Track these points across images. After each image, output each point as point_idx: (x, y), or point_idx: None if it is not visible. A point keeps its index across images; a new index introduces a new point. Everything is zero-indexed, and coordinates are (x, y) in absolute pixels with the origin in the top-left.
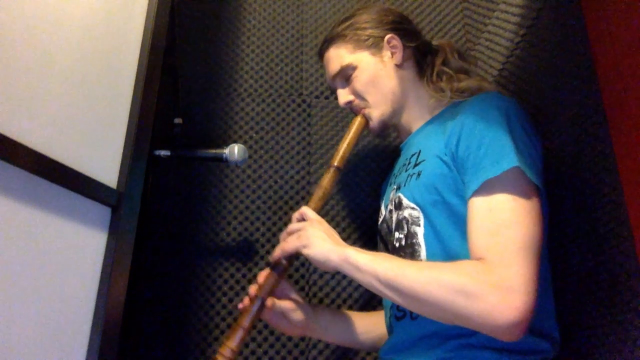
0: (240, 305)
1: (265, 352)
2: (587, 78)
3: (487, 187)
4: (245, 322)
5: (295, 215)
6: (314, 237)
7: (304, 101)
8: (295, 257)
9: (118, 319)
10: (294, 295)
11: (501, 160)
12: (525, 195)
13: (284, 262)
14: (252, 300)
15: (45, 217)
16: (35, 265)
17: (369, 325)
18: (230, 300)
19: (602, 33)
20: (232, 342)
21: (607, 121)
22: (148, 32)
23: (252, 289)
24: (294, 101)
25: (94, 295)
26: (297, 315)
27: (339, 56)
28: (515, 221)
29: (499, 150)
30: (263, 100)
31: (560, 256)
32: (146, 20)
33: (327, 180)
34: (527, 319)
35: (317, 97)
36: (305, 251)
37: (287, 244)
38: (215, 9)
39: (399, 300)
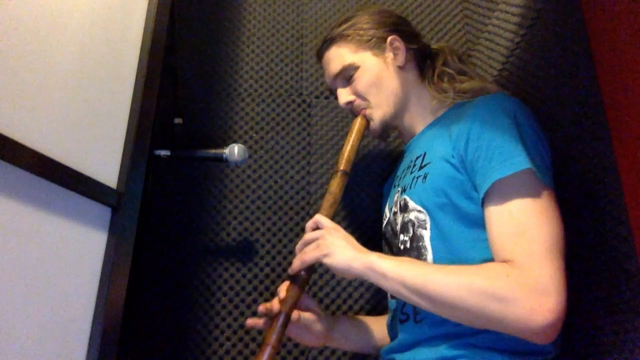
0: (248, 322)
1: None
2: (587, 78)
3: (501, 189)
4: (272, 339)
5: (309, 224)
6: (335, 245)
7: (304, 101)
8: (314, 267)
9: (118, 319)
10: (314, 307)
11: (511, 160)
12: (541, 195)
13: (303, 273)
14: (276, 315)
15: (45, 217)
16: (35, 265)
17: (385, 331)
18: (230, 300)
19: (602, 33)
20: None
21: (607, 121)
22: (148, 32)
23: (275, 304)
24: (294, 101)
25: (94, 295)
26: (318, 326)
27: (340, 56)
28: (537, 222)
29: (509, 151)
30: (263, 100)
31: None
32: (146, 20)
33: (335, 185)
34: (562, 319)
35: (317, 97)
36: (326, 260)
37: (306, 255)
38: (215, 9)
39: (427, 306)
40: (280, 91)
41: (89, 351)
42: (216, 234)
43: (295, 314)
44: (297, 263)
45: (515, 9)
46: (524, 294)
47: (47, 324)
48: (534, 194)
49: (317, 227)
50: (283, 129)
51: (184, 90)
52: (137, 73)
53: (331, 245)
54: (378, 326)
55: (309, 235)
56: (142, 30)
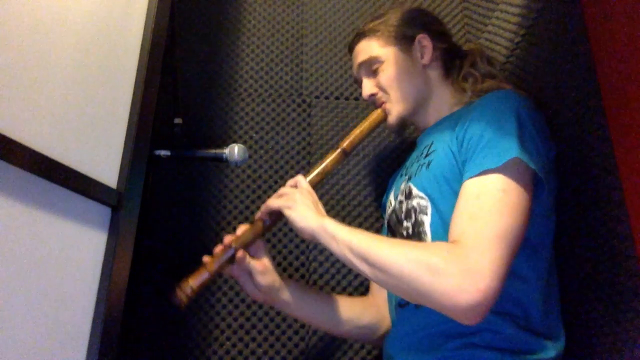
0: (214, 252)
1: (265, 352)
2: (587, 78)
3: (484, 175)
4: (212, 266)
5: (290, 182)
6: (300, 202)
7: (304, 101)
8: (278, 219)
9: (118, 319)
10: (266, 259)
11: (502, 152)
12: (517, 187)
13: (266, 221)
14: (224, 248)
15: (45, 217)
16: (35, 265)
17: (354, 312)
18: (230, 300)
19: (602, 33)
20: (194, 281)
21: (607, 121)
22: (148, 32)
23: (227, 239)
24: (294, 101)
25: (94, 295)
26: (263, 279)
27: (369, 47)
28: (498, 210)
29: (501, 141)
30: (263, 100)
31: (560, 256)
32: (146, 20)
33: (330, 158)
34: (488, 304)
35: (317, 97)
36: (287, 212)
37: (272, 202)
38: (215, 10)
39: (367, 271)
40: (280, 91)
41: (89, 351)
42: (216, 234)
43: (240, 252)
44: (262, 208)
45: (515, 9)
46: (457, 271)
47: (47, 323)
48: (512, 183)
49: (295, 186)
50: (283, 129)
51: (184, 90)
52: (137, 73)
53: (297, 201)
54: (346, 305)
55: (283, 189)
56: (142, 30)
